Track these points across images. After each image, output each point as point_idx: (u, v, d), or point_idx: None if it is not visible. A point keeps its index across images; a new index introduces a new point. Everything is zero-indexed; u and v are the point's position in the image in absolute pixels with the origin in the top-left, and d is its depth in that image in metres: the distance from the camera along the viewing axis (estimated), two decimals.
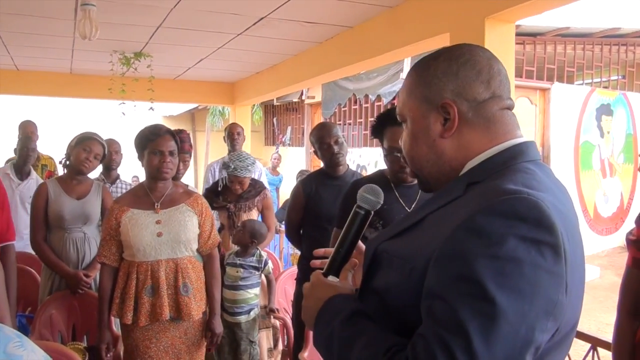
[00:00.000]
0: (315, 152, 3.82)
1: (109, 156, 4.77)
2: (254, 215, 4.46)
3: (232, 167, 4.32)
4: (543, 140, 9.18)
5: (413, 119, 1.29)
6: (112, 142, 4.87)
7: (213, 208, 4.39)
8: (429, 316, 1.02)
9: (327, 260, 1.40)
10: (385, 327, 1.13)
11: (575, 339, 2.87)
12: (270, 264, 4.09)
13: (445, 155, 1.24)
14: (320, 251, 1.59)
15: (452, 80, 1.22)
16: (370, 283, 1.26)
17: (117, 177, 4.95)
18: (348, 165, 3.86)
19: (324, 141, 3.67)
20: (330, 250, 1.49)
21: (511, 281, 0.97)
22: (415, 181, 2.85)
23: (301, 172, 6.95)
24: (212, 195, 4.46)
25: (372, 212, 1.37)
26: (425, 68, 1.28)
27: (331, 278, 1.34)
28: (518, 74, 8.61)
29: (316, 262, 1.53)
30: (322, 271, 1.37)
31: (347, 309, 1.21)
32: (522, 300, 0.97)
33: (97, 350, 3.15)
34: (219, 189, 4.51)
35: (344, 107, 11.23)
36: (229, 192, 4.45)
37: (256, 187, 4.54)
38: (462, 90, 1.21)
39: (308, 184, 3.81)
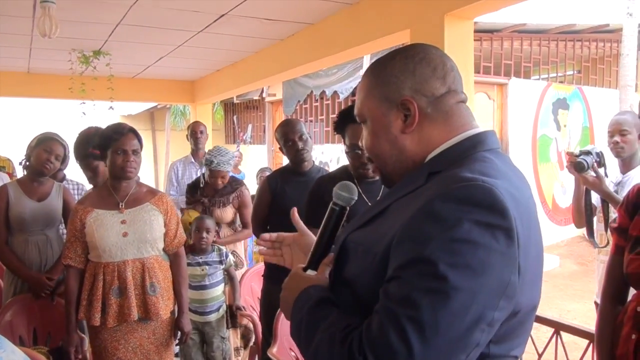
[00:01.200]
0: (280, 149, 3.83)
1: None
2: (229, 212, 4.50)
3: (215, 162, 4.39)
4: (501, 135, 9.32)
5: (373, 118, 1.33)
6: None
7: (188, 203, 4.41)
8: (384, 294, 1.07)
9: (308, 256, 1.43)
10: (356, 316, 1.16)
11: (539, 325, 2.98)
12: (230, 257, 4.11)
13: (407, 151, 1.29)
14: (265, 236, 1.65)
15: (409, 77, 1.27)
16: (339, 274, 1.29)
17: (64, 177, 4.88)
18: (314, 162, 3.88)
19: (289, 138, 3.68)
20: (275, 235, 1.61)
21: (463, 261, 1.02)
22: (378, 177, 2.90)
23: (261, 170, 6.92)
24: (192, 191, 4.53)
25: (347, 208, 1.41)
26: (382, 68, 1.32)
27: (310, 272, 1.38)
28: (476, 70, 8.67)
29: (265, 236, 1.64)
30: (302, 266, 1.40)
31: (315, 297, 1.26)
32: (473, 280, 1.01)
33: (65, 353, 3.11)
34: (201, 185, 4.55)
35: (305, 104, 11.24)
36: (207, 188, 4.51)
37: (233, 184, 4.58)
38: (420, 87, 1.26)
39: (274, 180, 3.81)
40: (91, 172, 3.75)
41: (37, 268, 3.70)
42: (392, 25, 4.20)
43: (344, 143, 2.91)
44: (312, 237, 1.56)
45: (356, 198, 1.43)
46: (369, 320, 1.07)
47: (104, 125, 3.25)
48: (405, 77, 1.27)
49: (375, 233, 1.22)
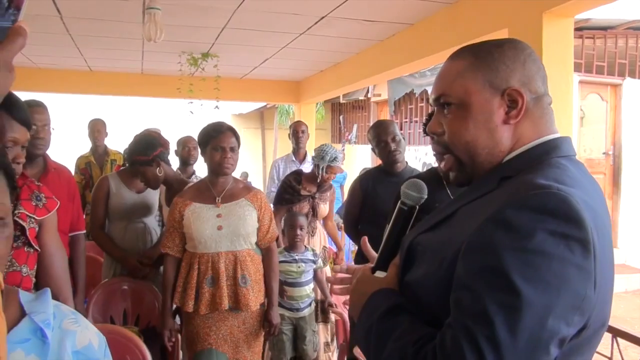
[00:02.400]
0: (373, 150, 3.86)
1: (188, 151, 5.04)
2: (327, 207, 4.63)
3: (330, 157, 4.49)
4: (615, 138, 8.91)
5: (473, 103, 1.24)
6: (190, 139, 5.16)
7: (298, 197, 4.52)
8: (457, 307, 1.05)
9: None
10: (427, 327, 1.14)
11: (624, 341, 2.84)
12: (320, 260, 4.20)
13: (501, 144, 1.24)
14: (331, 279, 1.70)
15: (519, 69, 1.23)
16: (405, 277, 1.28)
17: (193, 172, 5.16)
18: (407, 162, 3.89)
19: (381, 139, 3.71)
20: (345, 268, 1.56)
21: (538, 274, 0.99)
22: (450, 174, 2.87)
23: (365, 171, 6.98)
24: (295, 184, 4.60)
25: (417, 207, 1.38)
26: (487, 53, 1.26)
27: (378, 273, 1.36)
28: (588, 70, 8.40)
29: (330, 279, 1.66)
30: (371, 266, 1.40)
31: (386, 304, 1.23)
32: (548, 294, 0.98)
33: (159, 335, 3.29)
34: (318, 180, 4.60)
35: (410, 104, 11.20)
36: (307, 182, 4.60)
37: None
38: (528, 81, 1.23)
39: (365, 180, 3.85)
40: (141, 178, 3.81)
41: (135, 253, 3.90)
42: (490, 24, 4.14)
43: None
44: None
45: (426, 197, 1.39)
46: (442, 335, 1.05)
47: (206, 123, 3.39)
48: (516, 68, 1.23)
49: (443, 237, 1.20)
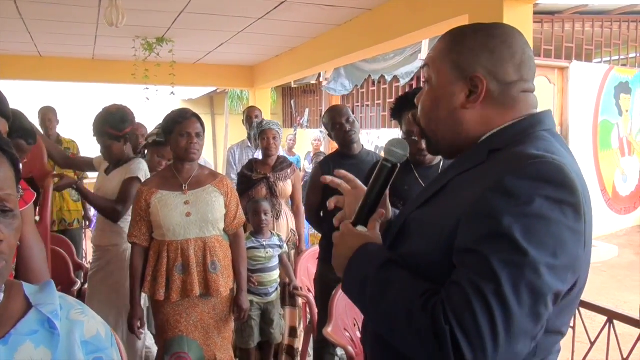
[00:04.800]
0: (329, 135, 3.91)
1: (136, 139, 4.94)
2: (289, 186, 4.60)
3: (265, 121, 4.56)
4: (562, 120, 9.16)
5: (439, 83, 1.34)
6: (139, 126, 5.01)
7: (252, 182, 4.50)
8: (463, 266, 1.11)
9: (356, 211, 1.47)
10: (428, 282, 1.19)
11: (593, 314, 2.97)
12: (285, 246, 4.23)
13: (463, 125, 1.31)
14: (341, 172, 1.66)
15: (487, 56, 1.28)
16: (396, 251, 1.32)
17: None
18: (363, 145, 3.94)
19: (336, 121, 3.75)
20: (341, 199, 1.60)
21: (538, 236, 1.07)
22: (435, 162, 2.94)
23: (317, 155, 6.98)
24: (247, 172, 4.61)
25: (398, 165, 1.43)
26: (462, 37, 1.33)
27: (360, 228, 1.42)
28: (536, 53, 8.58)
29: (326, 179, 1.65)
30: (350, 222, 1.44)
31: (382, 256, 1.28)
32: (548, 253, 1.06)
33: (129, 325, 3.28)
34: (253, 164, 4.65)
35: (362, 89, 11.27)
36: (261, 166, 4.60)
37: (287, 160, 4.71)
38: (494, 69, 1.27)
39: (325, 165, 3.89)
40: (105, 150, 3.77)
41: None
42: (450, 10, 4.19)
43: (401, 129, 2.95)
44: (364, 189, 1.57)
45: (408, 155, 1.45)
46: (448, 290, 1.11)
47: (164, 110, 3.35)
48: (483, 54, 1.28)
49: (440, 208, 1.26)
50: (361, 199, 1.48)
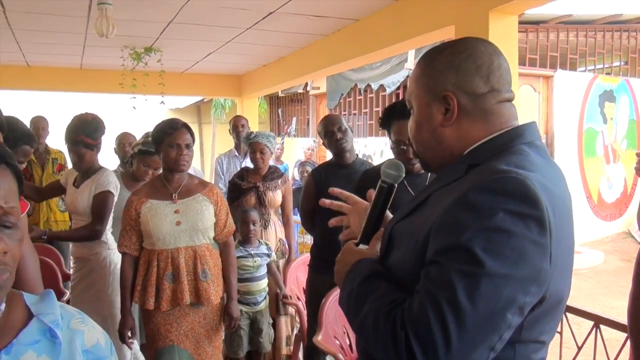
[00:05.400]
0: (323, 144, 3.94)
1: (124, 148, 4.96)
2: (279, 196, 4.61)
3: (254, 134, 4.56)
4: (547, 128, 9.24)
5: (418, 107, 1.41)
6: (127, 135, 5.06)
7: (241, 191, 4.51)
8: (425, 276, 1.16)
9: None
10: (402, 292, 1.25)
11: (580, 320, 3.00)
12: (273, 254, 4.25)
13: (445, 143, 1.36)
14: (335, 191, 1.76)
15: (453, 73, 1.33)
16: (385, 262, 1.38)
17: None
18: (357, 155, 3.97)
19: (328, 130, 3.78)
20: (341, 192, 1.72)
21: (498, 248, 1.10)
22: (423, 171, 2.97)
23: (302, 165, 6.98)
24: (238, 181, 4.62)
25: (395, 186, 1.51)
26: (430, 60, 1.39)
27: (362, 246, 1.49)
28: (521, 62, 8.65)
29: (325, 202, 1.73)
30: (355, 242, 1.51)
31: (366, 270, 1.35)
32: (507, 265, 1.09)
33: (120, 335, 3.27)
34: (244, 173, 4.67)
35: (348, 97, 11.31)
36: (252, 175, 4.61)
37: (278, 170, 4.72)
38: (462, 84, 1.32)
39: (318, 173, 3.91)
40: (77, 159, 3.70)
41: None
42: (436, 21, 4.23)
43: (389, 138, 2.98)
44: (366, 203, 1.66)
45: (404, 175, 1.52)
46: (410, 299, 1.16)
47: (152, 119, 3.35)
48: (450, 72, 1.33)
49: (417, 222, 1.30)
50: (364, 214, 1.56)
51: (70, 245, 4.02)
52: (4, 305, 1.13)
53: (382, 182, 1.51)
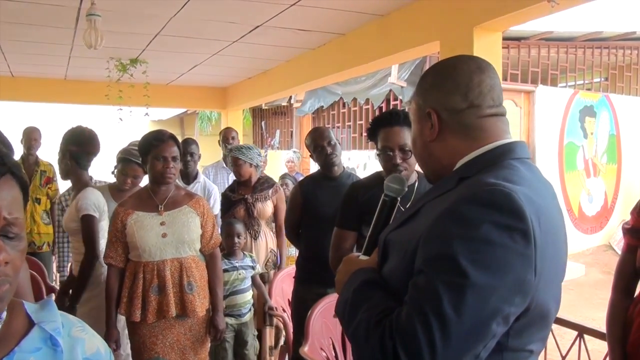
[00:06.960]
0: (311, 156, 3.95)
1: None
2: (269, 206, 4.63)
3: (235, 149, 4.65)
4: (528, 142, 9.30)
5: (413, 123, 1.50)
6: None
7: (231, 203, 4.52)
8: (412, 287, 1.20)
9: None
10: (394, 301, 1.28)
11: (565, 331, 3.04)
12: (258, 267, 4.26)
13: (434, 156, 1.44)
14: None
15: (435, 91, 1.42)
16: (381, 271, 1.42)
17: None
18: (344, 167, 3.99)
19: (318, 143, 3.79)
20: None
21: (483, 259, 1.13)
22: (411, 181, 3.01)
23: (282, 177, 6.96)
24: (229, 193, 4.67)
25: (398, 199, 1.57)
26: (422, 79, 1.49)
27: (362, 257, 1.53)
28: (503, 77, 8.73)
29: None
30: (357, 253, 1.57)
31: (362, 279, 1.39)
32: (491, 276, 1.13)
33: None
34: (235, 185, 4.71)
35: (332, 110, 11.37)
36: (242, 187, 4.64)
37: (269, 181, 4.74)
38: (443, 101, 1.39)
39: (305, 186, 3.93)
40: (63, 168, 3.69)
41: None
42: (421, 36, 4.29)
43: (377, 148, 3.01)
44: None
45: (406, 189, 1.58)
46: (398, 310, 1.19)
47: (135, 131, 3.34)
48: (433, 90, 1.42)
49: (408, 232, 1.34)
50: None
51: (72, 262, 3.96)
52: (4, 313, 1.14)
53: (385, 195, 1.56)
